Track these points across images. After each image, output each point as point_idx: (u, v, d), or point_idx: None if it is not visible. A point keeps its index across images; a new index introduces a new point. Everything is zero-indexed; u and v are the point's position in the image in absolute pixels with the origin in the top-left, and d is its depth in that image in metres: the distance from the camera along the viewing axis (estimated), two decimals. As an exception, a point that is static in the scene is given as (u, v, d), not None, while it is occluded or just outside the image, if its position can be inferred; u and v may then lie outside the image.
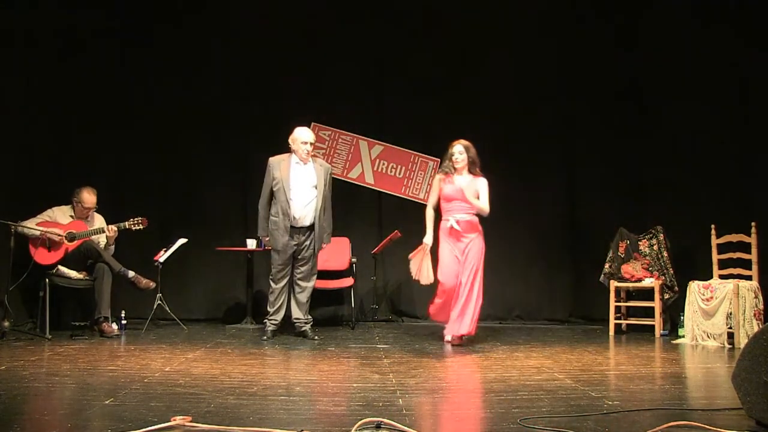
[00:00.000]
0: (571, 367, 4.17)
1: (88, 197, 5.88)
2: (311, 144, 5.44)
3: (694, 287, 5.53)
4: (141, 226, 5.85)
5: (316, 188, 5.43)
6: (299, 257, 5.47)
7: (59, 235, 5.63)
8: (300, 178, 5.42)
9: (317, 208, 5.41)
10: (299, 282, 5.51)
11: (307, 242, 5.45)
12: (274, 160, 5.48)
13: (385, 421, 2.59)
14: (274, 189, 5.41)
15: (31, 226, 5.56)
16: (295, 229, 5.40)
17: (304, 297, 5.53)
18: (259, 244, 5.72)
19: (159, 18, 6.86)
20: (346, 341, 5.39)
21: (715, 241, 5.71)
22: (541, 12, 6.96)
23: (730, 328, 5.23)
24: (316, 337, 5.47)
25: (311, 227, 5.43)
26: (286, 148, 5.52)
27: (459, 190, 5.16)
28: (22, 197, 5.88)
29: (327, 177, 5.54)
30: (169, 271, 6.20)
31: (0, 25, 5.67)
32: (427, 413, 2.95)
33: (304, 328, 5.52)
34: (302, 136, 5.43)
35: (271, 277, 5.52)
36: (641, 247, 6.21)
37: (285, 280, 5.49)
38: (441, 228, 5.25)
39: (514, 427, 2.63)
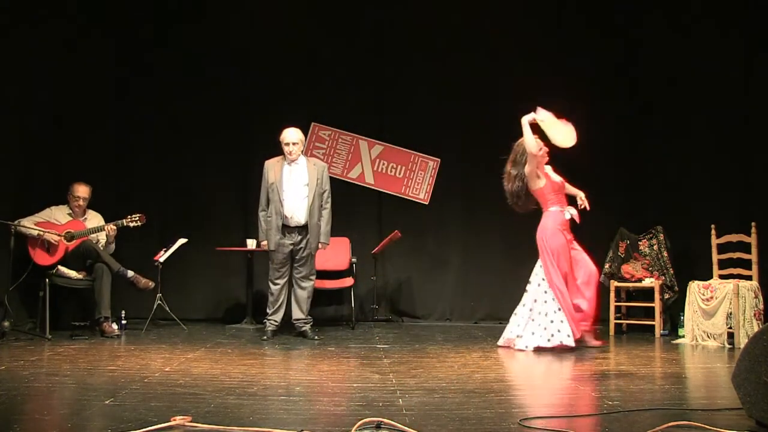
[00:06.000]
0: (571, 366, 4.17)
1: (80, 187, 5.89)
2: (294, 144, 5.45)
3: (694, 287, 5.53)
4: (139, 223, 5.85)
5: (307, 186, 5.46)
6: (297, 258, 5.49)
7: (57, 237, 5.62)
8: (291, 178, 5.48)
9: (309, 206, 5.44)
10: (299, 283, 5.52)
11: (303, 243, 5.46)
12: (268, 163, 5.58)
13: (385, 421, 2.59)
14: (270, 191, 5.48)
15: (29, 225, 5.56)
16: (288, 228, 5.45)
17: (303, 297, 5.53)
18: (258, 245, 5.75)
19: (160, 19, 6.85)
20: (346, 341, 5.39)
21: (715, 241, 5.71)
22: (542, 12, 6.96)
23: (730, 328, 5.23)
24: (316, 337, 5.47)
25: (306, 227, 5.45)
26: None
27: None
28: (21, 197, 5.87)
29: (322, 175, 5.55)
30: (169, 271, 6.19)
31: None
32: (427, 413, 2.94)
33: (304, 328, 5.53)
34: (284, 137, 5.48)
35: (269, 277, 5.55)
36: (641, 247, 6.21)
37: (283, 281, 5.51)
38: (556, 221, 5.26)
39: (514, 427, 2.63)
